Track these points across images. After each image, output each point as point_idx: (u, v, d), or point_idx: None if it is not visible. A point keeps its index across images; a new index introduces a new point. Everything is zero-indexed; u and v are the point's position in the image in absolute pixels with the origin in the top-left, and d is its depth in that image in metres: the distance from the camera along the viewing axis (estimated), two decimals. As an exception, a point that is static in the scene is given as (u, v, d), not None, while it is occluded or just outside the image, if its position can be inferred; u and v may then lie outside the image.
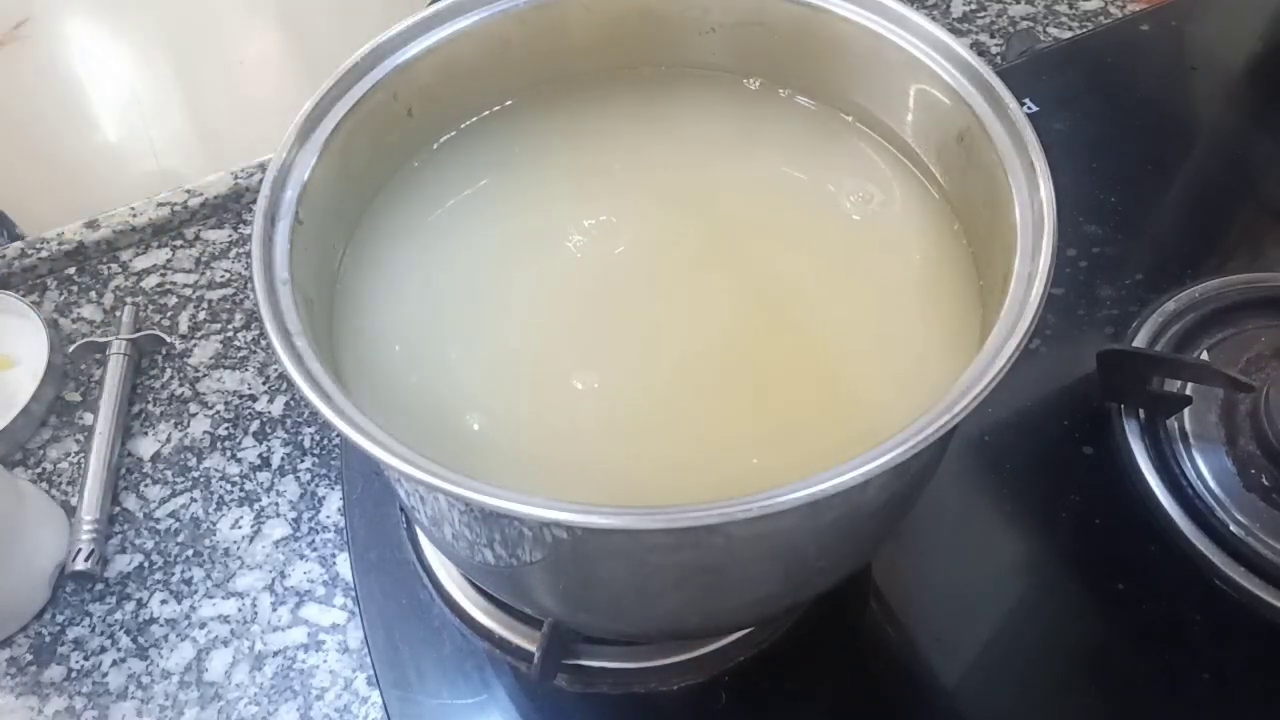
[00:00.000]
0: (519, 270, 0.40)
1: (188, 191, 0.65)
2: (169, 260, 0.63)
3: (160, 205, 0.64)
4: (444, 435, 0.35)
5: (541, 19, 0.41)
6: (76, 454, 0.55)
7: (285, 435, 0.55)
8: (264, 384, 0.57)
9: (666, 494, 0.29)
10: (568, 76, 0.44)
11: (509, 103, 0.44)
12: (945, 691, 0.44)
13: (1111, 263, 0.57)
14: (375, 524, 0.48)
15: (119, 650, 0.48)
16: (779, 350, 0.37)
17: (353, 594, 0.48)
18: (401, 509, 0.48)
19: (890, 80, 0.39)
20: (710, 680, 0.43)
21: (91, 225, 0.63)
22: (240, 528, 0.52)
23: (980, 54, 0.51)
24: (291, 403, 0.56)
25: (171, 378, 0.58)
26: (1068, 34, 0.73)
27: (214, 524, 0.52)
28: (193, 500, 0.53)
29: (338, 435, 0.48)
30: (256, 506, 0.52)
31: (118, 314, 0.60)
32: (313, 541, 0.51)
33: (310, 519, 0.52)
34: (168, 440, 0.55)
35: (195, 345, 0.59)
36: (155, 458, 0.55)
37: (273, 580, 0.50)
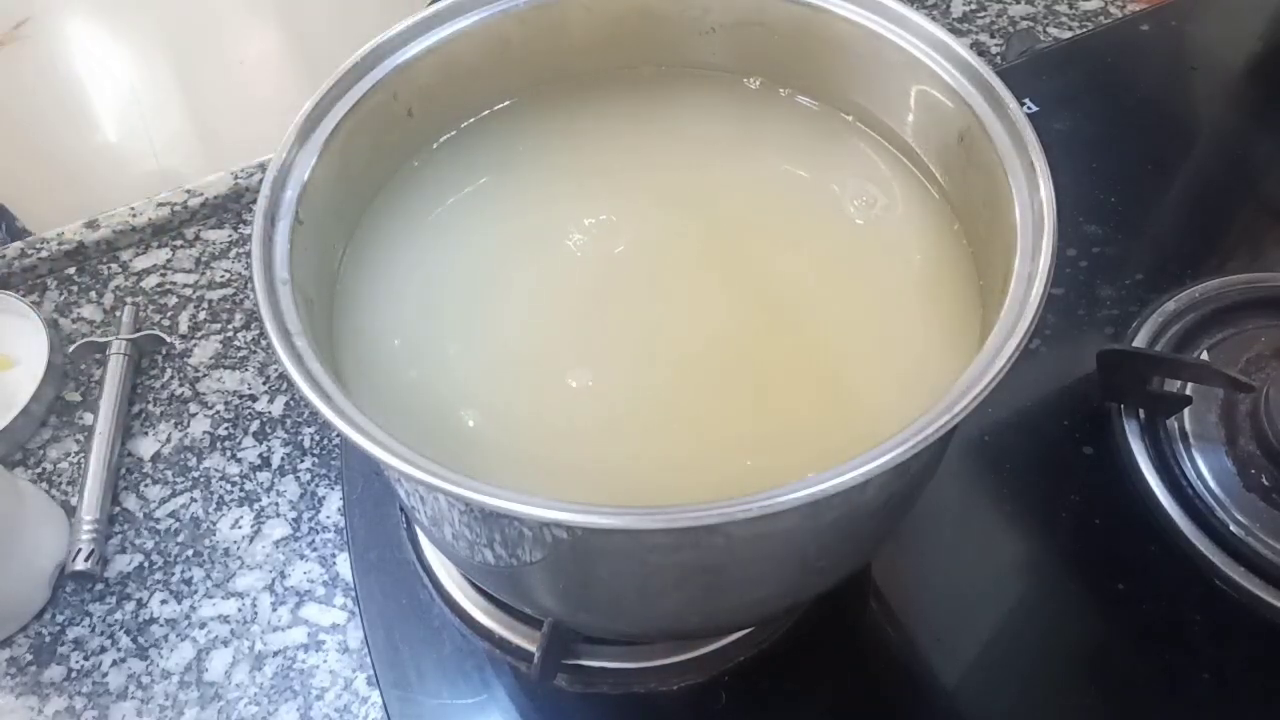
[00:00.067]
0: (519, 270, 0.40)
1: (188, 191, 0.65)
2: (169, 260, 0.63)
3: (160, 205, 0.64)
4: (444, 435, 0.35)
5: (541, 19, 0.41)
6: (76, 454, 0.55)
7: (285, 435, 0.55)
8: (264, 384, 0.57)
9: (666, 494, 0.29)
10: (568, 76, 0.44)
11: (509, 103, 0.44)
12: (945, 691, 0.44)
13: (1111, 263, 0.57)
14: (375, 524, 0.48)
15: (119, 650, 0.48)
16: (779, 350, 0.37)
17: (353, 594, 0.48)
18: (401, 509, 0.48)
19: (890, 80, 0.39)
20: (710, 680, 0.43)
21: (91, 225, 0.63)
22: (240, 528, 0.52)
23: (980, 54, 0.51)
24: (291, 403, 0.56)
25: (171, 378, 0.58)
26: (1068, 34, 0.73)
27: (214, 524, 0.52)
28: (193, 500, 0.53)
29: (338, 435, 0.48)
30: (256, 506, 0.52)
31: (118, 314, 0.60)
32: (313, 541, 0.51)
33: (310, 519, 0.52)
34: (168, 440, 0.55)
35: (195, 345, 0.59)
36: (155, 458, 0.55)
37: (273, 580, 0.50)
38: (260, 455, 0.54)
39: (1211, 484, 0.47)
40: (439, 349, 0.37)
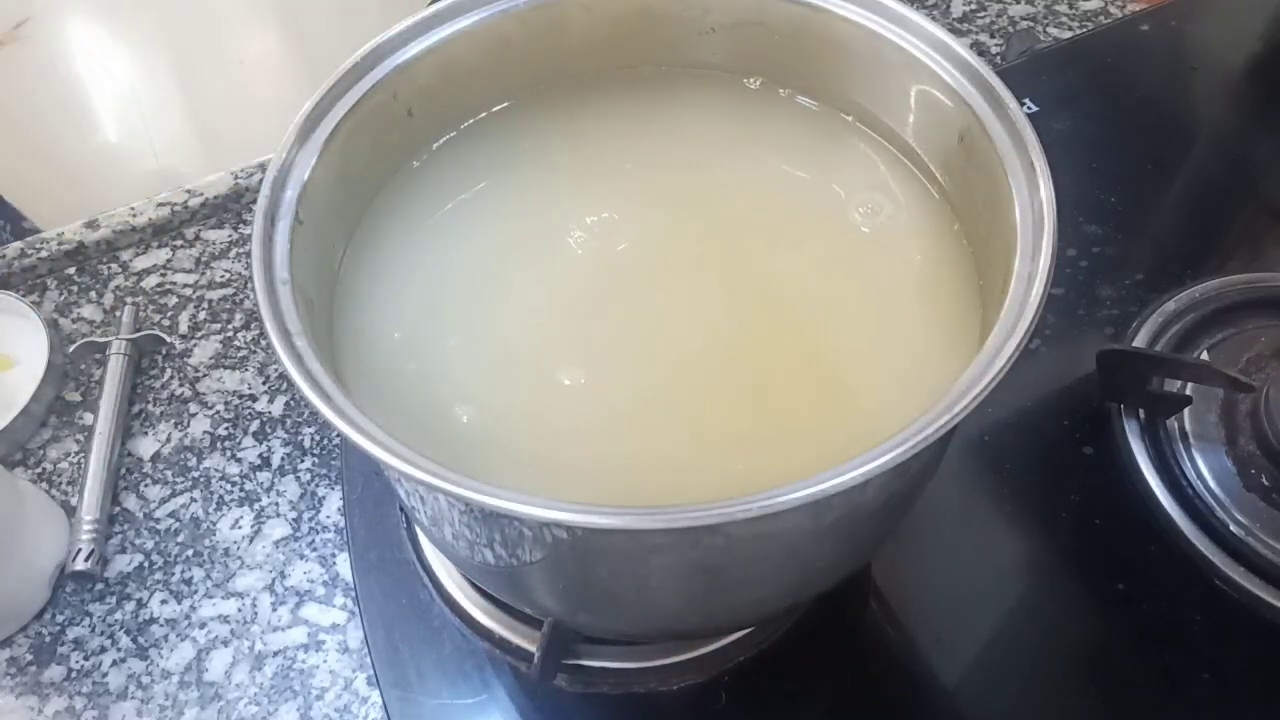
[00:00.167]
0: (519, 270, 0.40)
1: (188, 191, 0.65)
2: (169, 260, 0.63)
3: (160, 205, 0.64)
4: (445, 436, 0.35)
5: (541, 19, 0.41)
6: (76, 454, 0.55)
7: (285, 435, 0.55)
8: (264, 384, 0.57)
9: (666, 494, 0.29)
10: (568, 76, 0.44)
11: (509, 103, 0.44)
12: (945, 691, 0.44)
13: (1111, 263, 0.57)
14: (375, 524, 0.48)
15: (119, 650, 0.48)
16: (779, 349, 0.37)
17: (353, 594, 0.48)
18: (401, 509, 0.48)
19: (890, 80, 0.39)
20: (710, 680, 0.43)
21: (91, 225, 0.63)
22: (240, 528, 0.52)
23: (980, 54, 0.51)
24: (291, 403, 0.56)
25: (171, 378, 0.58)
26: (1068, 34, 0.73)
27: (214, 524, 0.52)
28: (193, 500, 0.53)
29: (338, 435, 0.48)
30: (256, 506, 0.52)
31: (118, 314, 0.60)
32: (313, 541, 0.51)
33: (310, 519, 0.52)
34: (168, 440, 0.55)
35: (195, 345, 0.59)
36: (155, 458, 0.55)
37: (273, 580, 0.50)
38: (260, 455, 0.54)
39: (1211, 484, 0.47)
40: (439, 348, 0.37)
